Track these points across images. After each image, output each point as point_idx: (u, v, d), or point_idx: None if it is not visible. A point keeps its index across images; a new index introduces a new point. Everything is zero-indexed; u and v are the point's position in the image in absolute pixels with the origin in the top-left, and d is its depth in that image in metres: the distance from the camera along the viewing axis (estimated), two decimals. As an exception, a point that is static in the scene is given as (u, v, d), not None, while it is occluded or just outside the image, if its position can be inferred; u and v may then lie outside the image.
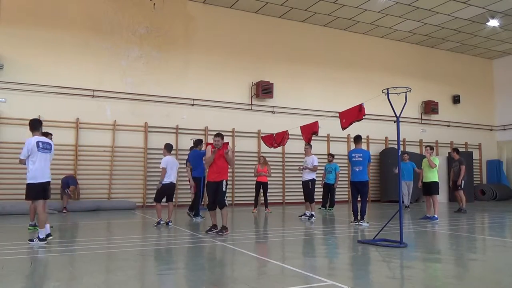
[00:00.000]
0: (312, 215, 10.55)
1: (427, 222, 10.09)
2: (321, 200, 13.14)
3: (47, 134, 8.71)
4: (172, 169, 9.34)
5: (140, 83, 14.26)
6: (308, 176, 10.79)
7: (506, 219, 11.53)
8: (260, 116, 16.01)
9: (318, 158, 11.11)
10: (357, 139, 9.86)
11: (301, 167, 11.09)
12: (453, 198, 12.68)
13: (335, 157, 13.86)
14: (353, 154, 9.67)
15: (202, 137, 14.39)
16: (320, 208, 12.98)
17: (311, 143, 11.14)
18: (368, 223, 9.43)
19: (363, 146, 17.84)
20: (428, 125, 19.88)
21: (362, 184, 9.60)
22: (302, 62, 17.00)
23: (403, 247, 6.39)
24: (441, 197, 17.60)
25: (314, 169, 10.80)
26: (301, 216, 10.87)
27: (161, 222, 9.15)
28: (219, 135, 7.99)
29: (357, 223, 9.40)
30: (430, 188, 10.77)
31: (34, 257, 5.85)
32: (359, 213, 9.50)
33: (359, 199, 9.59)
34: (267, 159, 13.59)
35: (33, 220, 8.36)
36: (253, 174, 13.09)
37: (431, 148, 11.22)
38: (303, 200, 11.12)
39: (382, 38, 18.89)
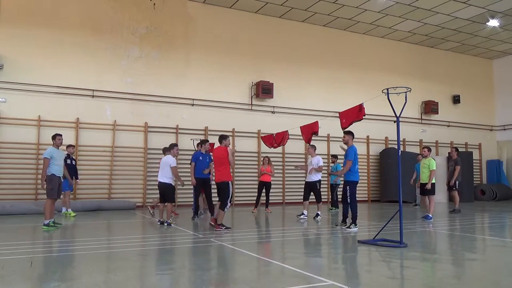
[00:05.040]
0: (317, 215, 10.63)
1: (426, 222, 10.08)
2: (330, 200, 13.37)
3: (54, 136, 8.96)
4: (162, 169, 9.40)
5: (140, 83, 14.26)
6: (315, 177, 10.76)
7: (506, 219, 11.53)
8: (260, 116, 16.01)
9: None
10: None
11: (299, 166, 11.10)
12: (452, 198, 12.69)
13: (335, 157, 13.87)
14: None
15: (202, 137, 14.43)
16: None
17: (312, 144, 11.15)
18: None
19: (364, 146, 17.98)
20: (428, 125, 19.89)
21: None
22: (302, 62, 17.00)
23: (403, 247, 6.39)
24: (440, 197, 17.64)
25: (319, 169, 10.77)
26: (299, 215, 10.84)
27: (158, 222, 9.24)
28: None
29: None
30: (425, 189, 10.81)
31: (34, 257, 5.84)
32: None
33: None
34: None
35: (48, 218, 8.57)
36: (256, 175, 13.14)
37: (429, 149, 11.20)
38: (302, 200, 11.12)
39: (382, 38, 18.89)
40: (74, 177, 11.31)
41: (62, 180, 9.04)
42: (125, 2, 14.33)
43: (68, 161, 11.17)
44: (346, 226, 8.65)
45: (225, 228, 8.33)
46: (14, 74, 12.61)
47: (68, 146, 11.56)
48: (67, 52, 13.37)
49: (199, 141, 11.37)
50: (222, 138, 8.64)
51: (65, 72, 13.26)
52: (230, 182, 8.43)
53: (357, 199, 9.00)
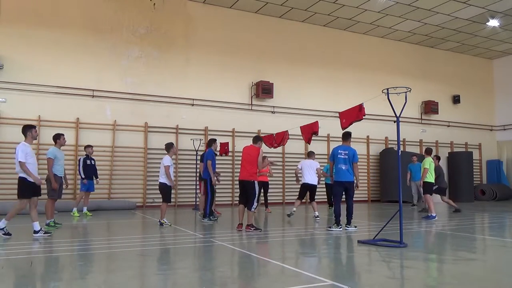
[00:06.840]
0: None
1: (428, 221, 10.08)
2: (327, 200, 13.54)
3: (59, 136, 8.88)
4: (160, 169, 9.36)
5: (140, 83, 14.25)
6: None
7: (506, 219, 11.53)
8: (260, 116, 16.01)
9: (317, 158, 11.27)
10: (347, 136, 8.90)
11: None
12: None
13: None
14: (339, 151, 8.61)
15: (202, 137, 14.44)
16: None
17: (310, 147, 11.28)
18: (355, 226, 8.69)
19: (364, 146, 17.97)
20: (428, 125, 19.88)
21: (351, 185, 8.65)
22: (302, 62, 17.00)
23: (403, 247, 6.39)
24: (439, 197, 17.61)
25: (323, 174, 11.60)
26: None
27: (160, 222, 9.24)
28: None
29: (340, 228, 8.43)
30: (422, 188, 11.04)
31: (34, 257, 5.84)
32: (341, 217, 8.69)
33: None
34: (268, 159, 13.57)
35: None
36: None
37: (427, 151, 11.29)
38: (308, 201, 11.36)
39: (382, 38, 18.89)
40: (94, 176, 11.44)
41: (62, 181, 9.03)
42: (125, 2, 14.32)
43: (88, 162, 11.26)
44: (328, 226, 8.70)
45: (254, 229, 8.10)
46: (14, 74, 12.60)
47: (87, 146, 11.61)
48: (67, 52, 13.37)
49: (209, 140, 11.10)
50: (258, 139, 8.64)
51: (65, 72, 13.26)
52: (256, 182, 8.28)
53: (358, 199, 9.02)
